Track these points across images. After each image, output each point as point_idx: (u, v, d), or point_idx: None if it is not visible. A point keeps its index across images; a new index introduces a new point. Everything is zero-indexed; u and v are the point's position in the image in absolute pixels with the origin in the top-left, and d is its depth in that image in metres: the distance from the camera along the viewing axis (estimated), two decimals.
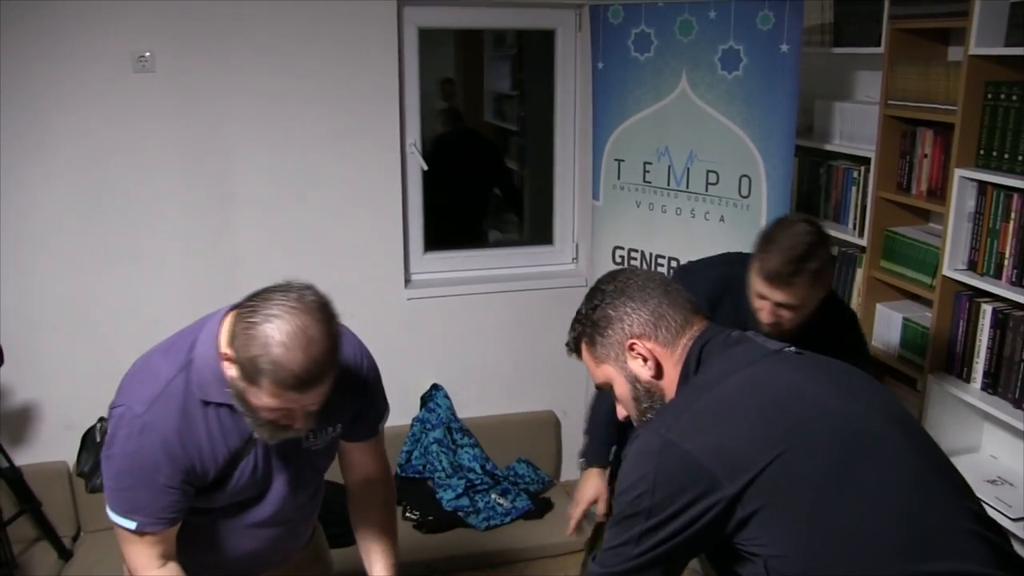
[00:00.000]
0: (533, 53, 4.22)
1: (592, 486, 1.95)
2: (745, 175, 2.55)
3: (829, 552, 1.05)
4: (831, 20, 2.68)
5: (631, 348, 1.25)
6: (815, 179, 2.82)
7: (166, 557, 1.43)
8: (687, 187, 2.70)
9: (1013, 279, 2.12)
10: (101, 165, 2.87)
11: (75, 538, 2.96)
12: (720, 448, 1.08)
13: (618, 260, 2.92)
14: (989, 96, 2.15)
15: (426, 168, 3.24)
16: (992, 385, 2.20)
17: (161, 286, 2.97)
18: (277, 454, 1.45)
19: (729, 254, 2.02)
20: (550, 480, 3.32)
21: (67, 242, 2.89)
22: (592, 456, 1.97)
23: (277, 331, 1.21)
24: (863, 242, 2.59)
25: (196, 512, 1.45)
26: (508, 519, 3.06)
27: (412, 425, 3.27)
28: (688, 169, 2.69)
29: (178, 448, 1.34)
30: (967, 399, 2.25)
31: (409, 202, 3.23)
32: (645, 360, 1.25)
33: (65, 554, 2.83)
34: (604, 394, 1.98)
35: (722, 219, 2.63)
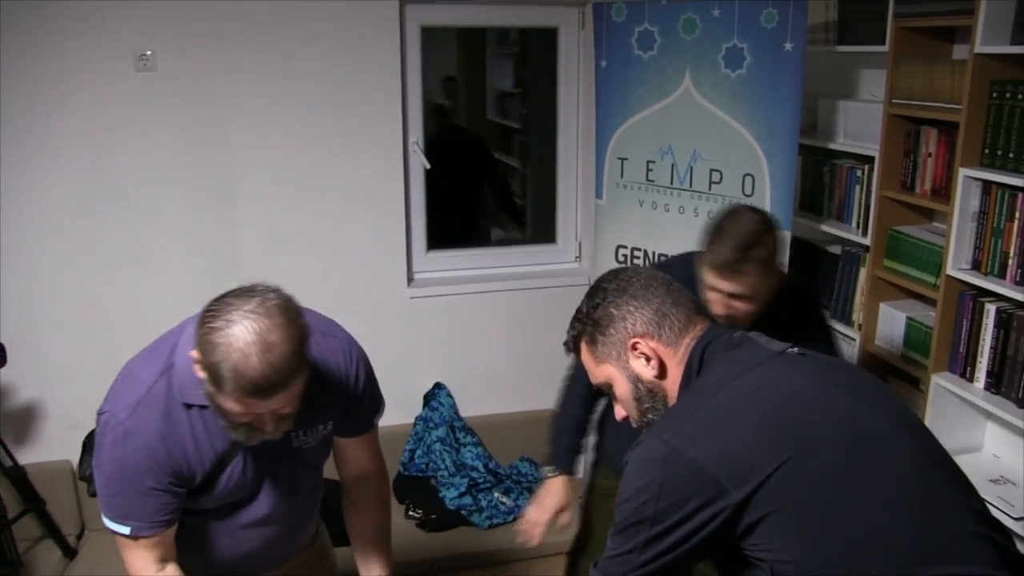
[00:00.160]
0: (536, 51, 4.21)
1: (559, 495, 1.90)
2: (748, 174, 2.55)
3: (835, 557, 1.04)
4: (835, 18, 2.67)
5: (634, 347, 1.24)
6: (819, 178, 2.81)
7: (164, 560, 1.43)
8: (690, 186, 2.69)
9: (1017, 279, 2.11)
10: (103, 164, 2.87)
11: (79, 536, 2.97)
12: (726, 454, 1.07)
13: (621, 259, 2.92)
14: (994, 95, 2.14)
15: (428, 167, 3.24)
16: (995, 385, 2.20)
17: (163, 285, 2.97)
18: (267, 454, 1.44)
19: (684, 253, 1.99)
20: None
21: (69, 241, 2.90)
22: (560, 463, 1.93)
23: (236, 338, 1.18)
24: (867, 241, 2.58)
25: (189, 513, 1.45)
26: (511, 518, 3.06)
27: (415, 424, 3.27)
28: (691, 168, 2.68)
29: (163, 452, 1.34)
30: (970, 398, 2.24)
31: (412, 200, 3.23)
32: (648, 360, 1.24)
33: (69, 552, 2.84)
34: (568, 400, 1.96)
35: None
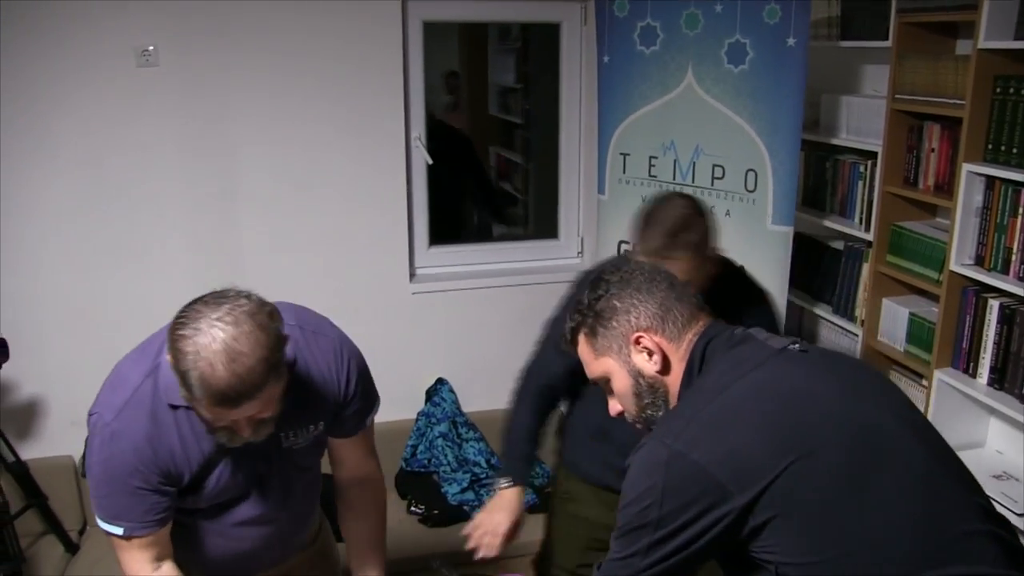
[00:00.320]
0: (538, 46, 4.20)
1: (514, 507, 1.83)
2: (751, 169, 2.54)
3: (841, 559, 1.04)
4: (838, 13, 2.66)
5: (637, 342, 1.22)
6: (821, 173, 2.81)
7: (160, 559, 1.42)
8: (693, 181, 2.69)
9: (1021, 274, 2.10)
10: (104, 160, 2.87)
11: (81, 532, 2.97)
12: (730, 458, 1.06)
13: (623, 255, 2.92)
14: (998, 90, 2.13)
15: (431, 162, 3.24)
16: (998, 380, 2.19)
17: (165, 281, 2.97)
18: (257, 455, 1.42)
19: (618, 255, 1.98)
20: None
21: (70, 237, 2.90)
22: (515, 474, 1.85)
23: (202, 347, 1.17)
24: (869, 237, 2.58)
25: (181, 513, 1.44)
26: None
27: (417, 419, 3.27)
28: (694, 163, 2.68)
29: (149, 453, 1.33)
30: (973, 394, 2.24)
31: (414, 196, 3.23)
32: (650, 354, 1.22)
33: (72, 548, 2.85)
34: (520, 410, 1.89)
35: (728, 213, 2.62)
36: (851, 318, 2.70)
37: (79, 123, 2.82)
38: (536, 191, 4.50)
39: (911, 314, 2.48)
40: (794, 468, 1.04)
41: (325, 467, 1.66)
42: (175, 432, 1.34)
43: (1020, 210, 2.10)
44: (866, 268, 2.62)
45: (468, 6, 3.22)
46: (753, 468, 1.04)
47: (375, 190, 3.13)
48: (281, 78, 2.96)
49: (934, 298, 2.41)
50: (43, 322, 2.91)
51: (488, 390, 3.38)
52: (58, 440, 2.95)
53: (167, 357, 1.24)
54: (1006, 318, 2.16)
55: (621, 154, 2.85)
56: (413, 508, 3.08)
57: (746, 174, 2.56)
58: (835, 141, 2.71)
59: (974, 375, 2.26)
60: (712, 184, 2.65)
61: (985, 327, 2.22)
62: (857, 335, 2.65)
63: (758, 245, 2.55)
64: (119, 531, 1.37)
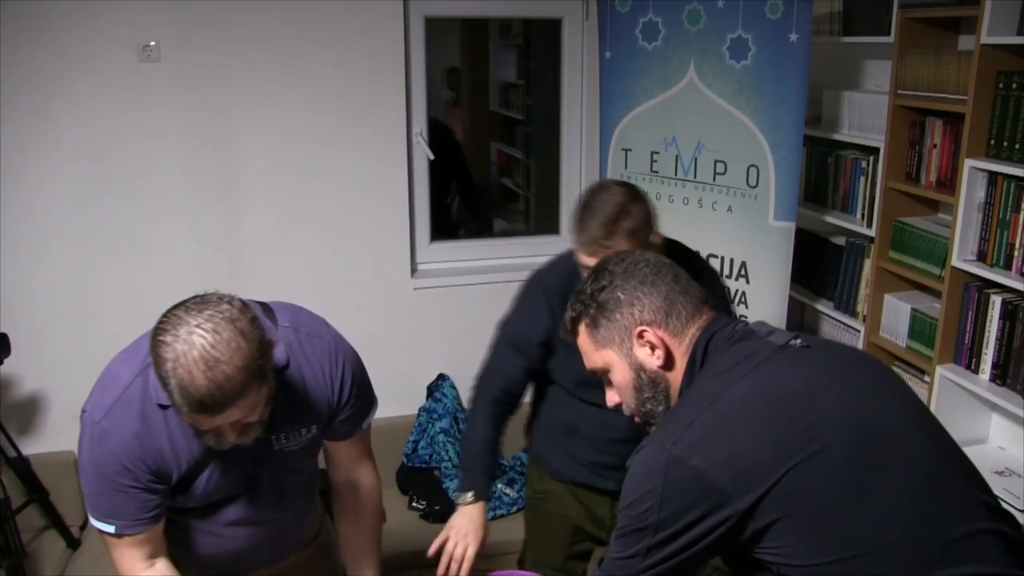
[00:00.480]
0: (539, 42, 4.19)
1: (479, 523, 1.76)
2: (753, 165, 2.54)
3: (844, 562, 1.03)
4: (840, 9, 2.66)
5: (640, 335, 1.20)
6: (823, 169, 2.80)
7: (154, 556, 1.42)
8: (695, 177, 2.68)
9: (1023, 270, 2.10)
10: (106, 155, 2.87)
11: (83, 527, 2.97)
12: (730, 462, 1.04)
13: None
14: (1000, 86, 2.13)
15: (432, 157, 3.23)
16: (1001, 376, 2.19)
17: (167, 276, 2.97)
18: (248, 456, 1.41)
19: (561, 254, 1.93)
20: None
21: (72, 232, 2.90)
22: (477, 489, 1.78)
23: (181, 354, 1.15)
24: (871, 232, 2.58)
25: (173, 511, 1.44)
26: (515, 509, 3.06)
27: (418, 415, 3.27)
28: (696, 159, 2.67)
29: (138, 452, 1.32)
30: (975, 390, 2.24)
31: (415, 191, 3.23)
32: (653, 349, 1.20)
33: (73, 543, 2.85)
34: (477, 422, 1.83)
35: (730, 209, 2.62)
36: (853, 314, 2.70)
37: (81, 118, 2.82)
38: (537, 187, 4.49)
39: (913, 310, 2.48)
40: (795, 472, 1.02)
41: (323, 463, 1.65)
42: (164, 432, 1.33)
43: (1023, 206, 2.09)
44: (868, 264, 2.62)
45: (469, 2, 3.22)
46: (753, 473, 1.03)
47: (376, 185, 3.13)
48: (283, 73, 2.95)
49: (936, 294, 2.41)
50: (44, 317, 2.91)
51: None
52: (59, 435, 2.95)
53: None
54: (1008, 314, 2.16)
55: (623, 150, 2.84)
56: (415, 504, 3.08)
57: (748, 170, 2.56)
58: (837, 137, 2.70)
59: (976, 371, 2.26)
60: (714, 180, 2.65)
61: (987, 323, 2.22)
62: (859, 331, 2.65)
63: (760, 241, 2.55)
64: (111, 529, 1.37)
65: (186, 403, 1.17)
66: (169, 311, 1.20)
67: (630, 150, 2.82)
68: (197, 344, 1.15)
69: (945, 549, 1.03)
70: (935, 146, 2.39)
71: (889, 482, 1.04)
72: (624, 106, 2.80)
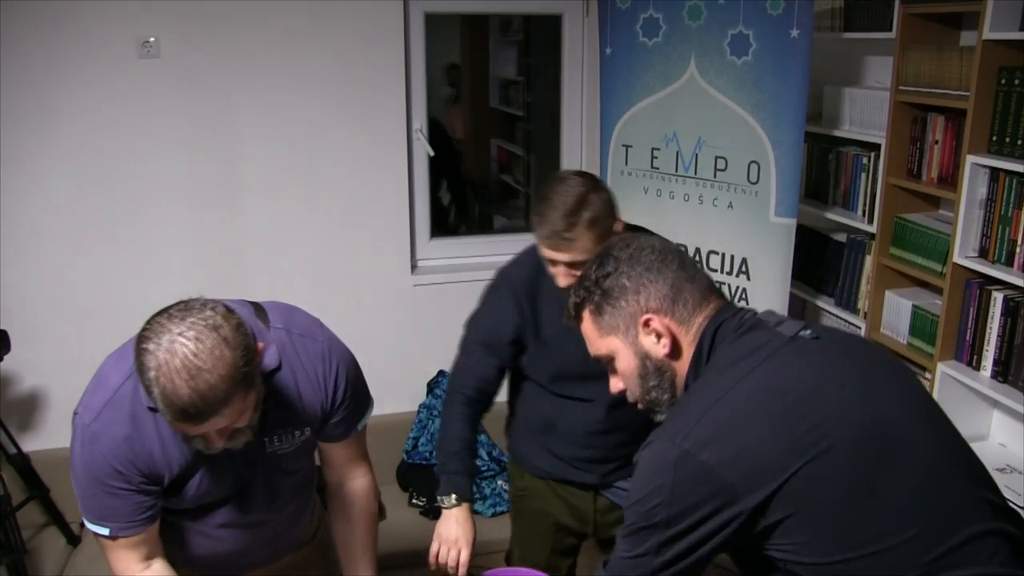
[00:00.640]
0: (540, 38, 4.19)
1: (468, 525, 1.74)
2: (754, 161, 2.53)
3: (851, 561, 1.02)
4: (841, 5, 2.65)
5: (646, 323, 1.17)
6: (824, 165, 2.80)
7: (149, 558, 1.41)
8: (695, 173, 2.68)
9: None
10: (106, 151, 2.86)
11: (83, 524, 2.96)
12: (741, 458, 1.02)
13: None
14: (1003, 81, 2.12)
15: (432, 154, 3.23)
16: (1002, 373, 2.19)
17: (167, 272, 2.97)
18: (240, 459, 1.40)
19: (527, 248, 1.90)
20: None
21: (72, 229, 2.89)
22: (460, 491, 1.75)
23: (163, 362, 1.14)
24: (872, 229, 2.57)
25: (165, 511, 1.43)
26: None
27: (419, 412, 3.27)
28: (696, 155, 2.67)
29: (128, 455, 1.31)
30: (977, 387, 2.24)
31: (415, 187, 3.22)
32: (659, 337, 1.17)
33: (74, 540, 2.85)
34: (451, 423, 1.81)
35: (730, 205, 2.61)
36: (854, 310, 2.69)
37: (80, 114, 2.81)
38: (538, 183, 4.49)
39: (914, 306, 2.48)
40: (806, 469, 1.01)
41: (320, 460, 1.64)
42: (155, 434, 1.32)
43: None
44: (869, 260, 2.62)
45: None
46: (765, 469, 1.02)
47: (376, 181, 3.12)
48: (282, 69, 2.94)
49: (937, 290, 2.41)
50: (44, 313, 2.91)
51: None
52: (59, 432, 2.93)
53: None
54: (1010, 310, 2.16)
55: (623, 146, 2.84)
56: (414, 501, 3.08)
57: (749, 166, 2.55)
58: (838, 133, 2.70)
59: (977, 368, 2.26)
60: (715, 176, 2.64)
61: (989, 319, 2.21)
62: (860, 328, 2.65)
63: (761, 237, 2.55)
64: (105, 532, 1.36)
65: (169, 412, 1.16)
66: (152, 318, 1.19)
67: (631, 146, 2.82)
68: (179, 353, 1.13)
69: (951, 550, 1.02)
70: (936, 142, 2.38)
71: (897, 481, 1.03)
72: (625, 102, 2.79)
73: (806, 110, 2.45)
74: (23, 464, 2.76)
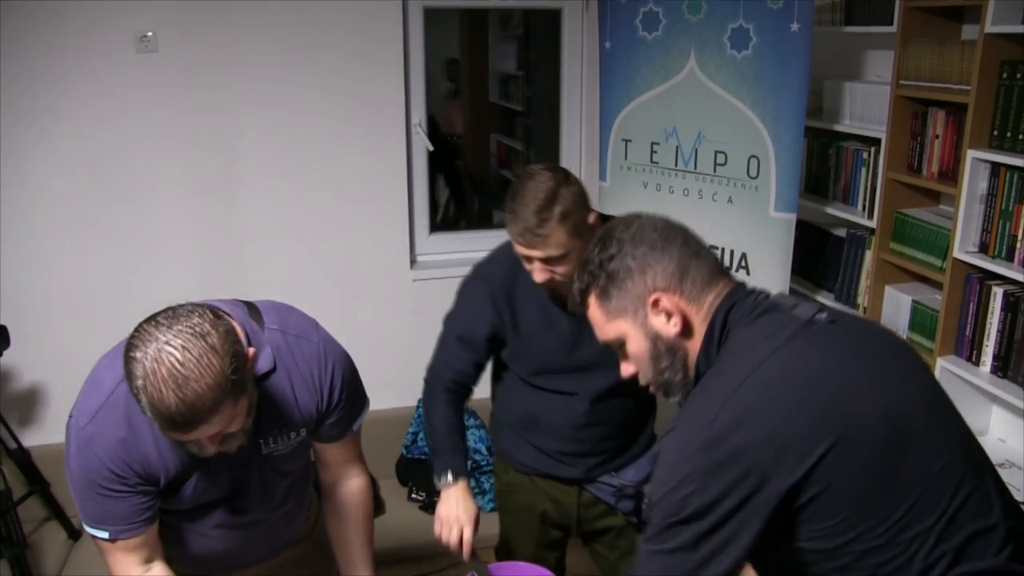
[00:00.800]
0: (539, 33, 4.18)
1: (468, 500, 1.73)
2: (754, 156, 2.53)
3: (861, 553, 1.02)
4: None
5: (655, 304, 1.14)
6: (824, 160, 2.79)
7: (149, 560, 1.40)
8: (695, 168, 2.67)
9: None
10: (104, 146, 2.86)
11: None
12: (771, 439, 0.99)
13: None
14: (1004, 75, 2.12)
15: (432, 149, 3.22)
16: (1002, 368, 2.19)
17: (166, 267, 2.96)
18: (236, 461, 1.39)
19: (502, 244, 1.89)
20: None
21: (71, 224, 2.89)
22: (455, 468, 1.75)
23: (150, 371, 1.12)
24: (872, 224, 2.57)
25: (162, 512, 1.42)
26: None
27: (417, 407, 3.27)
28: (696, 150, 2.66)
29: (124, 457, 1.30)
30: (976, 382, 2.24)
31: (414, 183, 3.22)
32: (669, 316, 1.14)
33: (74, 534, 2.86)
34: (434, 410, 1.82)
35: (730, 200, 2.61)
36: (854, 305, 2.69)
37: (78, 109, 2.81)
38: None
39: (914, 301, 2.47)
40: (833, 453, 0.99)
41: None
42: (151, 436, 1.31)
43: None
44: (869, 255, 2.61)
45: None
46: (794, 449, 0.99)
47: (376, 176, 3.12)
48: (281, 63, 2.94)
49: (937, 286, 2.40)
50: (44, 309, 2.91)
51: (488, 377, 3.38)
52: (59, 427, 2.89)
53: None
54: (1010, 305, 2.15)
55: (623, 140, 2.83)
56: (414, 495, 3.08)
57: (749, 160, 2.55)
58: (838, 128, 2.69)
59: (977, 363, 2.26)
60: (715, 171, 2.63)
61: (989, 315, 2.21)
62: None
63: (760, 232, 2.54)
64: (104, 535, 1.35)
65: (157, 421, 1.16)
66: (141, 325, 1.18)
67: (630, 141, 2.81)
68: (166, 362, 1.12)
69: (957, 546, 1.02)
70: (937, 137, 2.38)
71: (912, 478, 1.02)
72: (624, 97, 2.79)
73: (806, 104, 2.44)
74: (23, 459, 2.76)
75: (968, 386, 2.30)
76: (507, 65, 5.05)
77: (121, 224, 2.93)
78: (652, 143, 2.76)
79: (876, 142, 2.54)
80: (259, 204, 3.03)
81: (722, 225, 2.62)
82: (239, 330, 1.29)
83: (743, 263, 2.61)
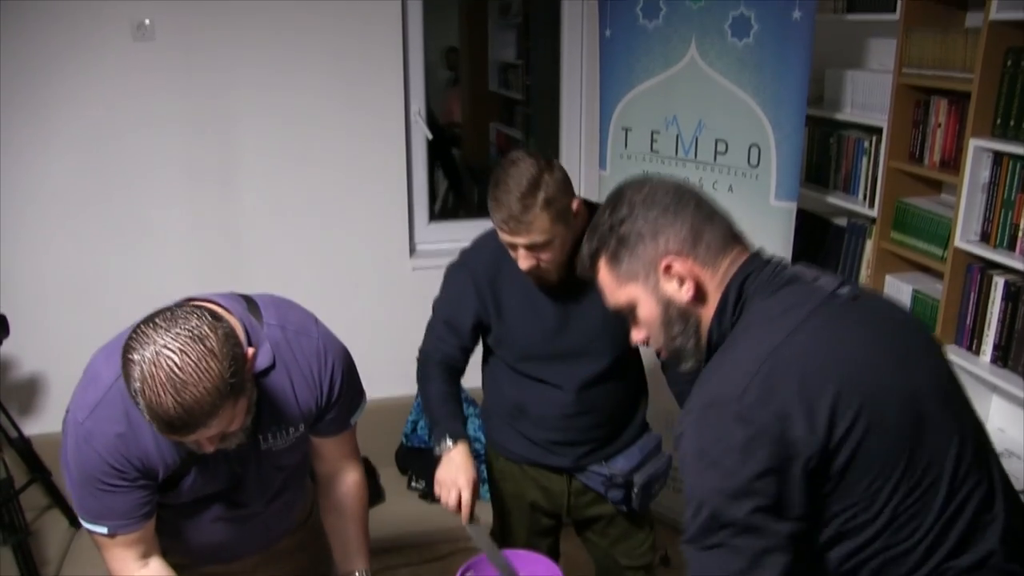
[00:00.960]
0: (539, 21, 4.16)
1: (464, 464, 1.71)
2: (755, 144, 2.52)
3: (871, 539, 1.01)
4: None
5: (667, 269, 1.11)
6: (825, 149, 2.78)
7: (147, 556, 1.40)
8: (695, 156, 2.66)
9: None
10: (102, 135, 2.85)
11: None
12: (805, 414, 0.96)
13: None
14: (1008, 63, 2.10)
15: (431, 137, 3.21)
16: (1002, 358, 2.19)
17: (165, 256, 2.96)
18: (234, 457, 1.39)
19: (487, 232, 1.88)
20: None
21: (70, 212, 2.88)
22: (453, 432, 1.74)
23: (148, 374, 1.12)
24: (873, 213, 2.56)
25: (160, 506, 1.42)
26: None
27: (417, 395, 3.27)
28: (696, 138, 2.65)
29: (123, 451, 1.30)
30: (976, 372, 2.23)
31: (413, 171, 3.21)
32: (682, 281, 1.11)
33: (76, 522, 2.86)
34: (429, 384, 1.83)
35: (731, 189, 2.60)
36: None
37: (75, 98, 2.80)
38: None
39: (915, 291, 2.47)
40: (857, 429, 0.97)
41: None
42: (149, 431, 1.30)
43: None
44: (870, 244, 2.61)
45: None
46: (824, 421, 0.97)
47: (375, 165, 3.11)
48: (279, 52, 2.92)
49: (938, 275, 2.40)
50: (44, 298, 2.91)
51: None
52: (60, 416, 2.90)
53: None
54: (1011, 295, 2.15)
55: (623, 129, 2.82)
56: (414, 484, 3.09)
57: (749, 149, 2.53)
58: (839, 116, 2.68)
59: (977, 352, 2.25)
60: (715, 159, 2.62)
61: (989, 304, 2.21)
62: None
63: (761, 221, 2.53)
64: (103, 530, 1.35)
65: (156, 423, 1.15)
66: (138, 325, 1.17)
67: (630, 129, 2.80)
68: (164, 366, 1.11)
69: (961, 538, 1.01)
70: (939, 125, 2.37)
71: (924, 467, 1.01)
72: (624, 85, 2.77)
73: (807, 93, 2.43)
74: (24, 448, 2.77)
75: (968, 375, 2.29)
76: (507, 53, 5.03)
77: (120, 212, 2.92)
78: (652, 131, 2.75)
79: (878, 131, 2.53)
80: (258, 193, 3.02)
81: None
82: (238, 328, 1.29)
83: None
